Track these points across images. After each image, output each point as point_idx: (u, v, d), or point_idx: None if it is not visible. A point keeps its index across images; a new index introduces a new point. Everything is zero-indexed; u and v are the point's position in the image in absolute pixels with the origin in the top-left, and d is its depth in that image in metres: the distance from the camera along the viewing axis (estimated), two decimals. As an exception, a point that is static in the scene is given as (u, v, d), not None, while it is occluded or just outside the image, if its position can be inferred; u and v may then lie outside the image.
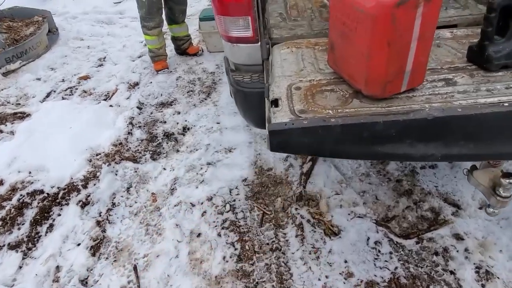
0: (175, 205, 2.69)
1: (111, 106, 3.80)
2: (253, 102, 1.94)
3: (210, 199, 2.70)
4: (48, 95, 4.20)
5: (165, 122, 3.55)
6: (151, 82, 4.19)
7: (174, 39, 4.46)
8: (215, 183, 2.84)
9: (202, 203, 2.68)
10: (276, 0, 2.36)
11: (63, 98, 4.08)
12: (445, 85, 1.46)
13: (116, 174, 2.98)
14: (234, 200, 2.70)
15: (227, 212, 2.61)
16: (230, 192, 2.76)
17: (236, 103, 2.07)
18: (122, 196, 2.82)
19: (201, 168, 3.00)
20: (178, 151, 3.22)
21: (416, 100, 1.40)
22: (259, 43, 1.83)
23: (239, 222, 2.54)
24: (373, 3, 1.20)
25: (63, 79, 4.46)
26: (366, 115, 1.33)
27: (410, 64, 1.32)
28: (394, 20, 1.19)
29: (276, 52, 1.83)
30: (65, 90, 4.24)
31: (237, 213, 2.61)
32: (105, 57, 4.86)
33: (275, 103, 1.46)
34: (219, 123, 3.46)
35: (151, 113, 3.69)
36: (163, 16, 4.12)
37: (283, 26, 2.06)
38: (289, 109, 1.41)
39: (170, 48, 4.61)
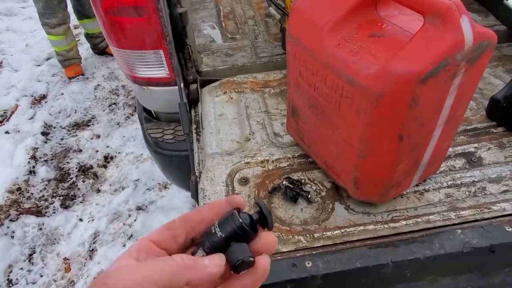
0: (94, 277, 2.05)
1: (7, 133, 2.93)
2: (182, 169, 1.33)
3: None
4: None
5: (80, 151, 2.79)
6: (62, 94, 3.33)
7: (89, 36, 3.56)
8: (147, 238, 2.22)
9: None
10: (205, 5, 1.70)
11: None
12: (467, 165, 0.95)
13: (13, 237, 2.24)
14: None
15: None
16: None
17: (160, 168, 1.44)
18: (21, 269, 2.11)
19: (129, 216, 2.36)
20: (98, 191, 2.53)
21: (433, 201, 0.88)
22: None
23: (181, 297, 1.97)
24: (377, 72, 0.63)
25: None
26: (362, 246, 0.79)
27: (428, 156, 0.79)
28: (415, 104, 0.63)
29: (208, 101, 1.21)
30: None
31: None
32: (1, 62, 3.84)
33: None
34: (150, 147, 2.79)
35: (62, 139, 2.90)
36: (69, 9, 3.23)
37: (215, 49, 1.43)
38: (231, 234, 0.83)
39: (85, 46, 3.74)
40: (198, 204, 0.92)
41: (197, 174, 0.97)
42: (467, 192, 0.89)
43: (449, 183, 0.91)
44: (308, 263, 0.76)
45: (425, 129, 0.70)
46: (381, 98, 0.64)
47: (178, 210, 2.36)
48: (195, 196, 0.94)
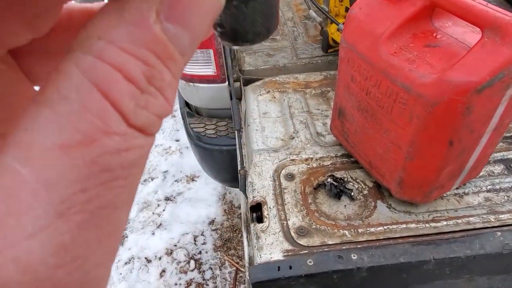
0: (126, 263, 2.15)
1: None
2: (221, 163, 1.40)
3: (170, 252, 2.18)
4: None
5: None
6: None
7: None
8: (176, 227, 2.31)
9: (160, 258, 2.16)
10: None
11: None
12: (506, 171, 0.99)
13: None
14: (200, 252, 2.19)
15: (192, 271, 2.11)
16: (195, 240, 2.25)
17: (199, 161, 1.51)
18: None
19: (158, 205, 2.45)
20: (129, 181, 2.63)
21: (472, 204, 0.92)
22: (226, 83, 1.26)
23: (207, 285, 2.05)
24: (433, 80, 0.68)
25: None
26: (405, 242, 0.84)
27: (473, 161, 0.83)
28: (469, 112, 0.68)
29: (252, 99, 1.27)
30: None
31: (204, 271, 2.11)
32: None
33: (257, 212, 0.93)
34: (178, 140, 2.88)
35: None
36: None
37: (257, 49, 1.49)
38: (280, 226, 0.89)
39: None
40: (246, 197, 0.98)
41: (245, 168, 1.03)
42: (505, 197, 0.93)
43: (488, 187, 0.95)
44: (354, 256, 0.82)
45: (474, 136, 0.74)
46: (436, 106, 0.68)
47: (204, 202, 2.44)
48: (243, 189, 1.00)
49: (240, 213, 2.37)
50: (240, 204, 2.42)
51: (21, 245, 0.12)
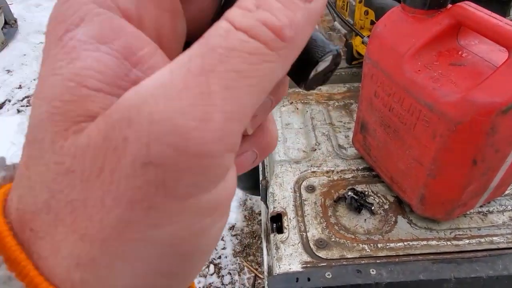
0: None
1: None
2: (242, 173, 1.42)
3: (190, 256, 2.21)
4: (1, 106, 3.57)
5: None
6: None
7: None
8: (196, 231, 2.35)
9: (180, 261, 2.20)
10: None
11: (18, 111, 3.46)
12: (533, 190, 0.97)
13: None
14: (220, 257, 2.22)
15: (211, 275, 2.14)
16: (215, 245, 2.28)
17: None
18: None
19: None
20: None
21: (496, 223, 0.91)
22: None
23: (226, 290, 2.07)
24: (457, 100, 0.68)
25: (20, 85, 3.81)
26: (425, 260, 0.83)
27: (498, 180, 0.82)
28: (494, 132, 0.68)
29: (275, 109, 1.29)
30: (22, 100, 3.60)
31: (223, 276, 2.14)
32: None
33: (277, 222, 0.95)
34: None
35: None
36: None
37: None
38: (300, 237, 0.90)
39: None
40: (267, 207, 1.00)
41: (267, 178, 1.05)
42: (532, 217, 0.91)
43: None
44: (373, 271, 0.82)
45: (499, 155, 0.74)
46: (460, 125, 0.68)
47: (225, 208, 2.47)
48: (264, 199, 1.02)
49: (260, 220, 2.38)
50: (259, 211, 2.43)
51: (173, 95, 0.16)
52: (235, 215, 2.41)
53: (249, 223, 2.38)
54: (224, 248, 2.25)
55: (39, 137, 0.18)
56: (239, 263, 2.17)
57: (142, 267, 0.18)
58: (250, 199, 2.50)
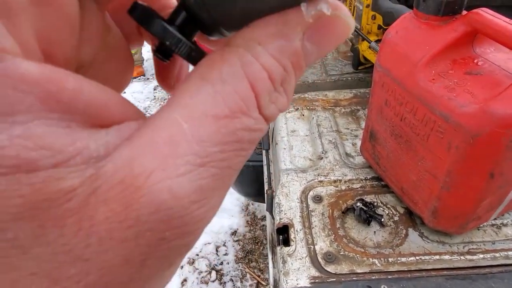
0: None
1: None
2: (247, 178, 1.39)
3: (192, 262, 2.18)
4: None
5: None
6: (124, 92, 3.55)
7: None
8: (198, 236, 2.32)
9: (182, 267, 2.17)
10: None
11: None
12: (549, 202, 0.94)
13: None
14: (222, 263, 2.19)
15: (213, 281, 2.11)
16: (217, 250, 2.25)
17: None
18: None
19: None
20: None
21: (511, 236, 0.88)
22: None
23: (228, 297, 2.04)
24: (475, 111, 0.65)
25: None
26: (438, 276, 0.80)
27: (514, 193, 0.79)
28: (510, 145, 0.64)
29: (280, 116, 1.26)
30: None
31: (225, 282, 2.10)
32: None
33: (283, 234, 0.91)
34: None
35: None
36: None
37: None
38: (307, 251, 0.87)
39: (147, 48, 3.95)
40: (273, 218, 0.97)
41: (273, 188, 1.02)
42: (548, 231, 0.88)
43: (529, 219, 0.90)
44: (384, 287, 0.79)
45: (517, 168, 0.71)
46: (478, 137, 0.65)
47: (228, 212, 2.44)
48: (270, 209, 0.99)
49: (263, 225, 2.35)
50: (262, 216, 2.40)
51: (175, 179, 0.16)
52: (237, 220, 2.38)
53: (252, 228, 2.35)
54: (226, 254, 2.22)
55: None
56: (241, 270, 2.14)
57: None
58: (252, 204, 2.47)
